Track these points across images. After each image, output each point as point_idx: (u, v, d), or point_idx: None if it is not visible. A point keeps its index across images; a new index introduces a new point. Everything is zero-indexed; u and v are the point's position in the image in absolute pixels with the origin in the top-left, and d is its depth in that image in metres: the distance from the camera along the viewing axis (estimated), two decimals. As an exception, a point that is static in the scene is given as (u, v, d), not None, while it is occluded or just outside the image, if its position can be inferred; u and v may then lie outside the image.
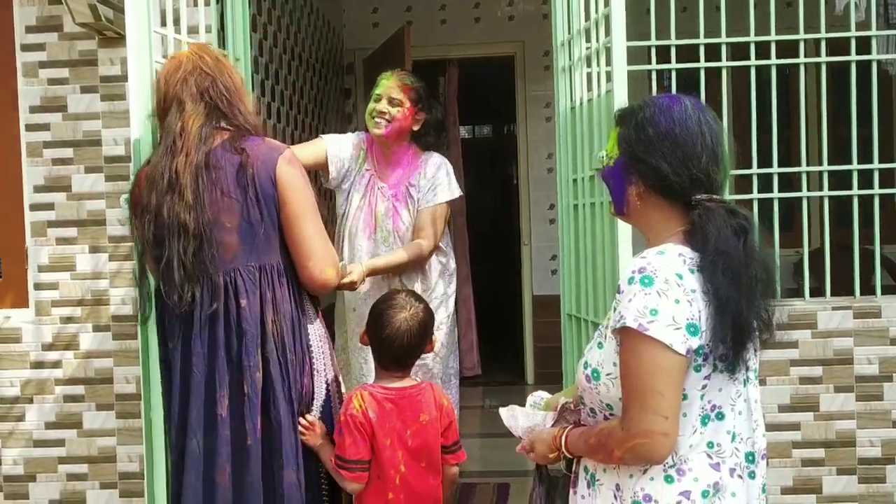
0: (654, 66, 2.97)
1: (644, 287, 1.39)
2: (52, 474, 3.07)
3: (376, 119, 2.96)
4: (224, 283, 2.00)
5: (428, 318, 2.19)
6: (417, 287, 2.97)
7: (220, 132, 2.06)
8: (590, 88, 2.70)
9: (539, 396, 1.83)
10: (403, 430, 2.10)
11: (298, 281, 2.09)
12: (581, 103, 2.76)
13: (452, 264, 3.15)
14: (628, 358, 1.41)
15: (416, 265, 2.98)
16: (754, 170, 3.00)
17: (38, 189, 3.07)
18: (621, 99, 2.41)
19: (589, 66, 2.71)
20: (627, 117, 1.55)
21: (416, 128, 3.03)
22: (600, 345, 1.50)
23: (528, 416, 1.73)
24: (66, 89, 3.06)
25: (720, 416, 1.46)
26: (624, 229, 2.36)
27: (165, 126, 2.08)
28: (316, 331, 2.14)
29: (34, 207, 3.08)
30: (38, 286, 3.08)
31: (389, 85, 2.98)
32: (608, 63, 2.50)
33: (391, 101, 2.96)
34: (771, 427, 2.99)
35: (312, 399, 2.11)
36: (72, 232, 3.07)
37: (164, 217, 1.97)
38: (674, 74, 2.96)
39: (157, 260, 2.02)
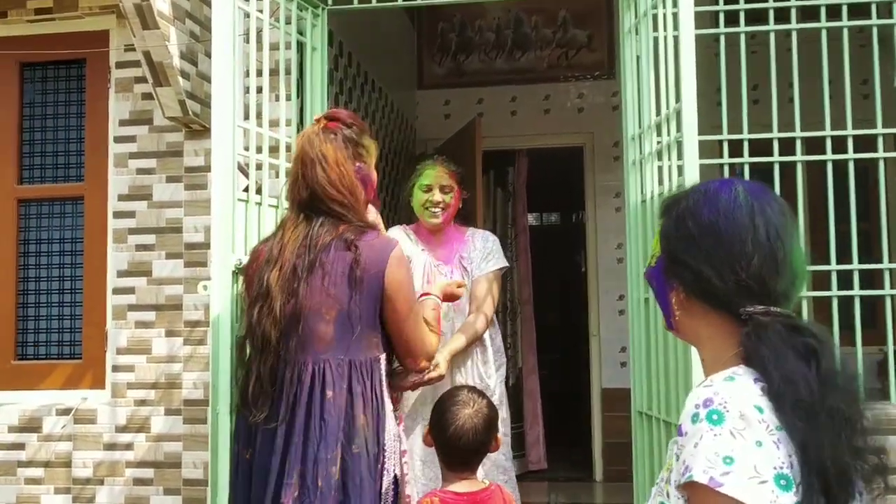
0: (726, 160, 2.95)
1: (713, 426, 1.05)
2: (117, 557, 3.09)
3: (433, 210, 3.04)
4: (312, 372, 1.98)
5: (492, 413, 2.14)
6: (478, 360, 2.99)
7: (333, 228, 2.06)
8: (661, 182, 2.69)
9: None
10: None
11: (385, 378, 2.06)
12: (652, 197, 2.75)
13: (499, 340, 3.15)
14: None
15: (477, 340, 3.00)
16: (833, 266, 2.91)
17: (120, 273, 3.19)
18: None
19: (660, 159, 2.71)
20: (670, 207, 1.26)
21: (460, 206, 3.15)
22: None
23: None
24: (152, 178, 3.21)
25: None
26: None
27: (277, 225, 2.19)
28: (391, 429, 2.07)
29: (116, 291, 3.19)
30: (115, 368, 3.16)
31: (437, 175, 3.06)
32: (679, 157, 2.50)
33: (443, 189, 3.04)
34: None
35: (381, 497, 2.04)
36: (150, 316, 3.16)
37: (253, 329, 2.00)
38: (746, 168, 2.93)
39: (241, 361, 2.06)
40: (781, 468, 1.03)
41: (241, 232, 2.77)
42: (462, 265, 3.06)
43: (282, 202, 2.76)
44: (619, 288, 5.49)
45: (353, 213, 2.09)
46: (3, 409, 3.23)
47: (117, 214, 3.22)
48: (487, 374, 3.00)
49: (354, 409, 1.97)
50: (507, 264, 3.11)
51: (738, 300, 1.14)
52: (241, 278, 2.36)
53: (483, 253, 3.06)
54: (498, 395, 3.01)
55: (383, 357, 2.05)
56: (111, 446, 3.13)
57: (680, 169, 2.51)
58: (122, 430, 3.13)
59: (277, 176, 2.69)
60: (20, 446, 3.19)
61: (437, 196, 3.03)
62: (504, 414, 3.01)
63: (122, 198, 3.22)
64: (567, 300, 8.11)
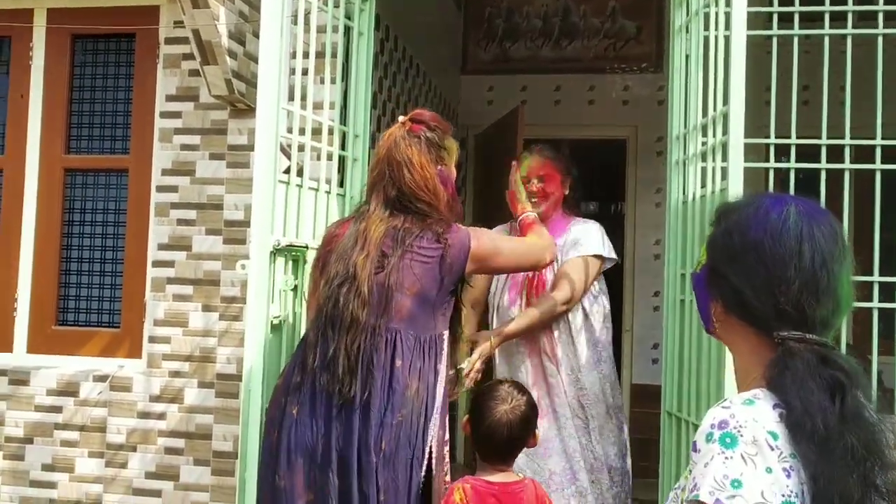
0: (772, 164, 2.90)
1: (725, 449, 1.05)
2: (146, 523, 3.16)
3: (532, 200, 2.93)
4: (385, 340, 2.09)
5: (530, 411, 2.14)
6: (559, 353, 2.87)
7: (420, 222, 2.20)
8: (703, 184, 2.66)
9: None
10: None
11: (445, 355, 2.18)
12: (694, 198, 2.71)
13: (602, 338, 2.95)
14: None
15: (551, 321, 2.85)
16: (876, 277, 2.86)
17: (161, 247, 3.25)
18: (736, 197, 2.36)
19: (704, 160, 2.67)
20: (721, 217, 1.23)
21: (566, 192, 3.05)
22: None
23: None
24: (195, 155, 3.25)
25: None
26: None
27: (358, 214, 2.28)
28: (438, 404, 2.15)
29: (156, 264, 3.25)
30: (151, 339, 3.22)
31: (532, 165, 2.98)
32: (724, 159, 2.46)
33: (540, 178, 2.97)
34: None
35: (425, 476, 2.10)
36: (188, 290, 3.21)
37: (339, 309, 2.09)
38: (792, 174, 2.88)
39: (319, 344, 2.11)
40: (790, 497, 1.03)
41: (281, 213, 2.80)
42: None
43: (321, 185, 2.79)
44: (655, 284, 5.45)
45: (435, 211, 2.24)
46: (42, 372, 3.31)
47: (160, 188, 3.27)
48: (578, 367, 2.88)
49: (410, 380, 2.08)
50: (602, 252, 2.94)
51: (775, 323, 1.12)
52: (277, 258, 2.40)
53: (575, 240, 2.95)
54: (594, 392, 2.88)
55: (446, 335, 2.21)
56: (145, 415, 3.20)
57: (724, 171, 2.47)
58: (155, 399, 3.20)
59: (319, 159, 2.71)
60: (57, 409, 3.27)
61: (533, 186, 2.94)
62: (615, 421, 2.95)
63: (165, 172, 3.27)
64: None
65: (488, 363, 2.84)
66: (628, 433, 3.07)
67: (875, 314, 2.81)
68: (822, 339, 1.12)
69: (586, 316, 2.93)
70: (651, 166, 5.62)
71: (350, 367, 2.06)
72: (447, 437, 2.27)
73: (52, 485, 3.25)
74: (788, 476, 1.04)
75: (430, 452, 2.13)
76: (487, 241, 2.30)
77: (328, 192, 2.76)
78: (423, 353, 2.14)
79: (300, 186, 2.66)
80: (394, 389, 2.07)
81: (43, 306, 3.41)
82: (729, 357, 2.30)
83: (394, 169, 2.23)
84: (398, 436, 2.05)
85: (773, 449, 1.04)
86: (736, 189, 2.44)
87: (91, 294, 3.44)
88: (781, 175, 2.94)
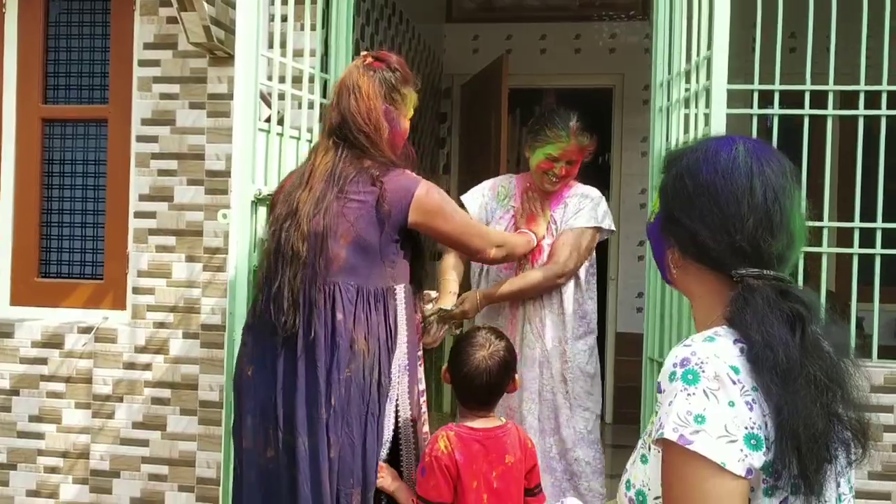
0: (755, 110, 2.89)
1: (687, 385, 1.06)
2: (135, 472, 3.19)
3: (553, 179, 2.81)
4: (324, 293, 2.05)
5: (509, 356, 2.15)
6: (548, 322, 2.79)
7: (357, 161, 2.14)
8: (686, 130, 2.65)
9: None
10: (489, 471, 2.06)
11: (402, 310, 2.14)
12: (677, 145, 2.71)
13: (588, 306, 2.86)
14: (670, 480, 1.07)
15: (543, 292, 2.78)
16: (857, 223, 2.87)
17: (142, 198, 3.22)
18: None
19: (687, 107, 2.66)
20: (671, 164, 1.25)
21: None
22: (644, 458, 1.17)
23: None
24: (175, 104, 3.20)
25: None
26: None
27: (310, 151, 2.29)
28: (399, 361, 2.14)
29: (138, 215, 3.23)
30: (136, 290, 3.22)
31: (568, 149, 2.79)
32: (707, 105, 2.45)
33: (570, 162, 2.81)
34: (860, 495, 2.85)
35: (382, 425, 2.10)
36: (170, 241, 3.20)
37: (281, 244, 2.08)
38: (776, 120, 2.88)
39: (266, 281, 2.11)
40: (752, 429, 1.04)
41: (262, 162, 2.77)
42: (549, 228, 2.83)
43: (303, 133, 2.76)
44: (640, 233, 5.47)
45: (376, 148, 2.16)
46: (26, 324, 3.31)
47: (140, 139, 3.23)
48: (564, 338, 2.80)
49: (356, 334, 2.04)
50: (601, 224, 2.84)
51: (732, 262, 1.13)
52: (259, 208, 2.39)
53: (575, 210, 2.83)
54: (577, 365, 2.79)
55: (400, 288, 2.14)
56: (130, 365, 3.21)
57: (707, 118, 2.46)
58: (141, 350, 3.20)
59: (300, 107, 2.68)
60: (42, 361, 3.28)
61: (560, 170, 2.80)
62: (593, 391, 2.84)
63: (145, 122, 3.22)
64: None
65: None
66: (600, 403, 2.94)
67: (855, 260, 2.84)
68: (780, 274, 1.13)
69: (578, 286, 2.85)
70: (637, 115, 5.60)
71: (294, 301, 2.04)
72: (421, 390, 2.26)
73: (39, 436, 3.27)
74: (751, 409, 1.05)
75: (397, 409, 2.12)
76: (438, 197, 2.20)
77: (309, 141, 2.73)
78: (369, 305, 2.08)
79: (281, 135, 2.63)
80: (337, 344, 2.03)
81: (25, 258, 3.39)
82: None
83: (341, 95, 2.19)
84: (349, 391, 2.03)
85: (735, 383, 1.05)
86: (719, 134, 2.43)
87: (73, 246, 3.42)
88: (768, 122, 2.94)
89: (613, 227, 2.92)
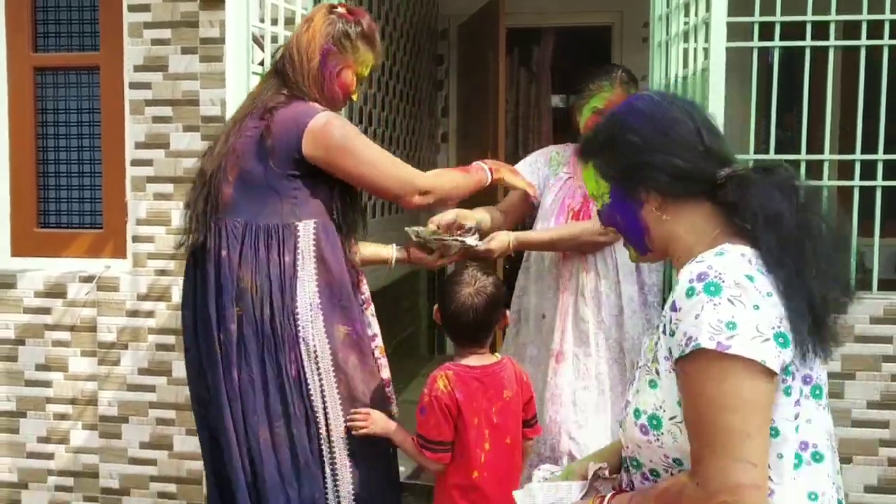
0: (755, 43, 2.84)
1: (711, 296, 1.11)
2: (143, 417, 3.24)
3: None
4: (213, 231, 2.07)
5: (496, 292, 2.13)
6: (605, 288, 2.57)
7: (274, 91, 2.13)
8: (686, 65, 2.62)
9: (547, 470, 1.54)
10: (489, 407, 2.09)
11: (297, 242, 2.06)
12: (676, 80, 2.68)
13: (649, 280, 2.61)
14: (702, 389, 1.10)
15: (582, 248, 2.59)
16: (857, 156, 2.85)
17: (138, 145, 3.20)
18: (718, 78, 2.33)
19: (686, 41, 2.62)
20: (592, 148, 1.35)
21: None
22: (653, 383, 1.20)
23: (549, 493, 1.37)
24: (167, 49, 3.16)
25: (818, 458, 1.16)
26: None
27: None
28: (305, 300, 2.06)
29: (135, 163, 3.21)
30: (135, 238, 3.22)
31: (613, 99, 2.62)
32: (706, 39, 2.42)
33: None
34: (858, 423, 2.89)
35: (303, 367, 2.05)
36: (168, 188, 3.19)
37: (201, 162, 2.16)
38: (776, 53, 2.83)
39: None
40: (778, 328, 1.11)
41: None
42: None
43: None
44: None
45: (300, 78, 2.11)
46: (28, 275, 3.32)
47: (133, 85, 3.20)
48: (621, 310, 2.58)
49: (241, 271, 2.02)
50: None
51: (709, 170, 1.23)
52: None
53: None
54: (636, 337, 2.54)
55: (306, 225, 2.07)
56: (133, 313, 3.23)
57: (706, 52, 2.43)
58: (143, 298, 3.22)
59: (293, 49, 2.64)
60: (46, 311, 3.30)
61: None
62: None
63: (137, 68, 3.18)
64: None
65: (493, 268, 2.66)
66: None
67: (856, 193, 2.82)
68: (746, 166, 1.26)
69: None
70: (637, 53, 5.50)
71: (196, 214, 2.10)
72: (373, 335, 2.20)
73: (47, 384, 3.31)
74: (772, 310, 1.12)
75: (314, 352, 2.05)
76: (339, 131, 2.06)
77: (304, 84, 2.70)
78: (258, 242, 2.03)
79: (275, 78, 2.61)
80: (223, 282, 2.02)
81: (24, 209, 3.39)
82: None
83: (294, 32, 2.20)
84: (241, 328, 2.02)
85: (754, 289, 1.12)
86: (718, 70, 2.40)
87: (72, 196, 3.42)
88: (769, 56, 2.90)
89: None
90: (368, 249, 2.34)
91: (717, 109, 2.44)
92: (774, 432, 1.12)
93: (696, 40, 2.51)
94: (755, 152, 2.88)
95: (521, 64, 6.55)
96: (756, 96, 2.83)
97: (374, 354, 2.19)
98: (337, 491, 2.10)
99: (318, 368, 2.06)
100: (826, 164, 2.87)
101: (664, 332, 1.18)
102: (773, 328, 1.11)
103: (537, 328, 2.76)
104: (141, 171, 3.20)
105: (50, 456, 3.32)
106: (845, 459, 2.91)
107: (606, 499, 1.26)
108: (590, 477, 1.35)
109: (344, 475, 2.11)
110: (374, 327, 2.23)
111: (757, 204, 1.18)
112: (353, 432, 2.10)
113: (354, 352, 2.12)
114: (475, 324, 2.11)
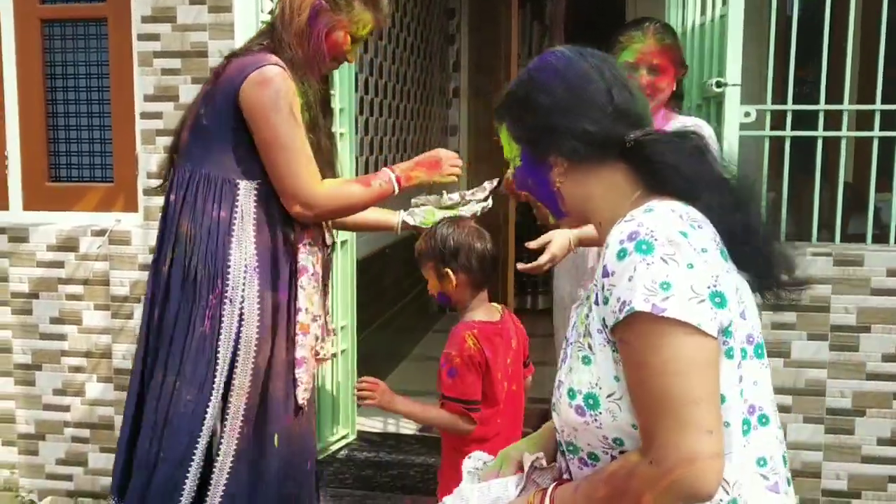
0: (775, -11, 2.78)
1: (644, 255, 1.03)
2: (156, 370, 3.26)
3: None
4: (171, 175, 2.09)
5: (481, 231, 2.18)
6: None
7: (251, 45, 2.11)
8: (703, 11, 2.56)
9: (478, 459, 1.40)
10: (505, 358, 2.12)
11: (238, 205, 2.00)
12: (693, 27, 2.62)
13: None
14: (642, 357, 1.03)
15: None
16: (878, 105, 2.80)
17: (147, 98, 3.17)
18: (737, 23, 2.27)
19: (704, -13, 2.56)
20: (503, 109, 1.28)
21: (674, 89, 2.43)
22: (586, 360, 1.11)
23: (484, 494, 1.23)
24: (175, 0, 3.11)
25: (764, 421, 1.11)
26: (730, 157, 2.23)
27: None
28: (242, 260, 2.00)
29: (144, 116, 3.19)
30: (146, 192, 3.21)
31: (645, 50, 2.35)
32: (725, -16, 2.36)
33: (652, 69, 2.34)
34: (872, 377, 2.88)
35: (220, 328, 1.98)
36: (178, 141, 3.16)
37: None
38: (795, 2, 2.76)
39: None
40: (714, 287, 1.04)
41: (266, 56, 2.70)
42: None
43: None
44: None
45: (285, 33, 2.02)
46: (40, 228, 3.32)
47: (141, 37, 3.16)
48: None
49: (181, 217, 2.02)
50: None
51: (619, 132, 1.16)
52: None
53: None
54: None
55: (243, 185, 2.00)
56: (145, 267, 3.22)
57: (724, -3, 2.38)
58: (154, 251, 3.21)
59: (302, -3, 2.59)
60: (59, 264, 3.31)
61: (643, 78, 2.33)
62: None
63: (145, 20, 3.14)
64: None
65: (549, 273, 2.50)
66: None
67: (875, 144, 2.78)
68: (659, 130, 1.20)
69: None
70: (652, 2, 5.41)
71: (167, 156, 2.16)
72: (316, 314, 2.11)
73: (61, 337, 3.33)
74: (708, 268, 1.05)
75: (239, 316, 1.98)
76: (274, 93, 1.94)
77: (314, 33, 2.66)
78: (198, 190, 1.99)
79: (284, 27, 2.56)
80: (166, 225, 2.05)
81: (34, 163, 3.38)
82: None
83: None
84: (171, 272, 2.01)
85: (688, 245, 1.05)
86: (736, 15, 2.35)
87: (82, 149, 3.40)
88: (785, 8, 2.83)
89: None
90: (373, 214, 2.27)
91: (734, 58, 2.40)
92: (720, 399, 1.05)
93: (714, -14, 2.46)
94: (772, 103, 2.84)
95: (533, 18, 6.44)
96: (774, 45, 2.77)
97: (295, 329, 2.08)
98: (207, 479, 2.00)
99: (237, 335, 1.98)
100: (845, 115, 2.82)
101: (596, 302, 1.10)
102: (709, 287, 1.03)
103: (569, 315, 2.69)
104: (150, 124, 3.18)
105: (66, 408, 3.36)
106: (858, 412, 2.92)
107: (549, 492, 1.15)
108: (526, 470, 1.23)
109: (224, 465, 2.01)
110: (302, 300, 2.09)
111: (673, 160, 1.12)
112: (359, 403, 2.07)
113: (282, 322, 2.04)
114: (494, 259, 2.13)
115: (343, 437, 3.44)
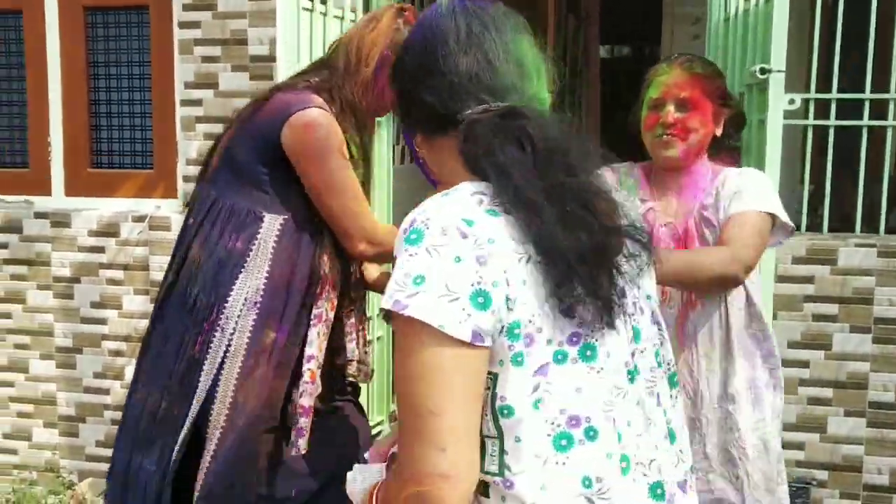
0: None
1: (410, 246, 0.95)
2: (194, 355, 3.29)
3: (664, 137, 1.99)
4: (195, 195, 2.02)
5: None
6: (706, 363, 1.97)
7: (299, 81, 2.00)
8: (747, -2, 2.53)
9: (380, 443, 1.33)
10: None
11: (258, 237, 1.91)
12: (737, 14, 2.59)
13: (770, 345, 2.00)
14: (397, 358, 0.95)
15: (711, 287, 1.93)
16: (892, 94, 2.75)
17: (188, 85, 3.21)
18: (783, 8, 2.24)
19: (749, -27, 2.53)
20: (399, 61, 1.17)
21: (719, 131, 2.03)
22: None
23: (367, 475, 1.19)
24: (216, -12, 3.14)
25: (591, 434, 0.96)
26: (773, 145, 2.21)
27: None
28: (244, 293, 1.90)
29: (184, 103, 3.22)
30: (186, 179, 3.25)
31: (672, 82, 1.99)
32: (771, -31, 2.33)
33: (681, 105, 1.98)
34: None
35: (205, 355, 1.89)
36: (217, 128, 3.16)
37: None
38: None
39: None
40: (481, 284, 0.93)
41: (307, 44, 2.73)
42: (705, 219, 1.98)
43: (346, 14, 2.70)
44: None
45: (348, 79, 1.94)
46: (82, 214, 3.37)
47: (182, 25, 3.19)
48: (732, 392, 1.95)
49: (195, 241, 1.94)
50: (776, 211, 1.94)
51: (458, 107, 1.05)
52: None
53: (736, 190, 1.95)
54: (753, 441, 1.95)
55: (273, 219, 1.91)
56: (185, 253, 3.27)
57: (770, -18, 2.34)
58: (194, 238, 3.25)
59: (343, -17, 2.60)
60: (100, 250, 3.36)
61: (670, 115, 1.97)
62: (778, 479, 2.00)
63: (186, 7, 3.18)
64: (638, 137, 7.92)
65: None
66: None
67: (889, 132, 2.73)
68: (511, 104, 1.04)
69: (750, 303, 1.97)
70: (689, -3, 5.36)
71: (200, 175, 2.06)
72: (310, 355, 1.92)
73: (102, 321, 3.38)
74: (483, 264, 0.94)
75: (228, 345, 1.87)
76: (325, 135, 1.86)
77: (353, 21, 2.68)
78: (218, 218, 1.92)
79: (324, 14, 2.58)
80: (177, 248, 1.99)
81: (76, 149, 3.43)
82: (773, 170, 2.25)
83: (356, 27, 2.04)
84: (170, 294, 1.96)
85: (465, 237, 0.95)
86: (782, 2, 2.31)
87: (123, 136, 3.45)
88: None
89: (792, 224, 2.01)
90: (379, 273, 2.18)
91: (779, 43, 2.37)
92: (508, 411, 0.93)
93: (759, -29, 2.43)
94: (816, 91, 2.80)
95: (569, 11, 6.41)
96: (819, 32, 2.73)
97: (301, 375, 1.93)
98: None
99: (220, 367, 1.88)
100: (891, 104, 2.77)
101: None
102: (473, 284, 0.92)
103: None
104: (190, 112, 3.21)
105: (106, 391, 3.41)
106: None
107: (379, 485, 1.10)
108: (388, 456, 1.18)
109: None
110: (314, 348, 1.95)
111: (484, 160, 1.00)
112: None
113: (273, 362, 1.91)
114: None
115: (379, 424, 3.46)
